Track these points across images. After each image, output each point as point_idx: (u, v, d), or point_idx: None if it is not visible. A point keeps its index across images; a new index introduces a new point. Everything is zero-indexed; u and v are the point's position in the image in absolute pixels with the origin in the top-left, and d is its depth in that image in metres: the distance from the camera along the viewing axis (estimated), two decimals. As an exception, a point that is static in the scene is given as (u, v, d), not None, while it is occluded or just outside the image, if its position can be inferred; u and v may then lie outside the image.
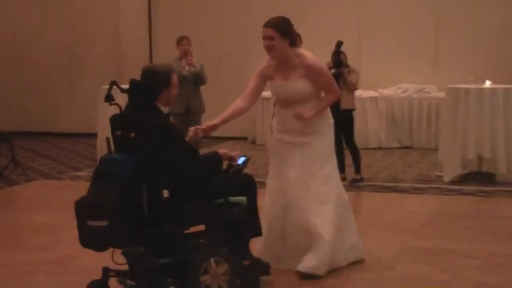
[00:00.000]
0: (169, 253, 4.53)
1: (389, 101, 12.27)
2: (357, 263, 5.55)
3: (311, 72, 5.28)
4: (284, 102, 5.38)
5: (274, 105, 5.59)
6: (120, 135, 4.58)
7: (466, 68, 11.39)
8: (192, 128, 4.97)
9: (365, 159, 10.79)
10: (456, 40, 12.27)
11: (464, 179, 9.01)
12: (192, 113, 8.97)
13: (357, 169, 9.00)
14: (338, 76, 8.67)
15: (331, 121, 5.49)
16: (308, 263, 5.21)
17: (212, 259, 4.58)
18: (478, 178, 9.10)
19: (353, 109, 9.01)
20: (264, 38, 5.23)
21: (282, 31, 5.21)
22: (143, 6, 13.93)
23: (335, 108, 8.75)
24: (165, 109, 4.69)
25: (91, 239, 4.48)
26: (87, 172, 10.09)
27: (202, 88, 9.18)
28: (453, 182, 8.81)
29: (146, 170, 4.40)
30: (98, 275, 5.35)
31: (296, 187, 5.28)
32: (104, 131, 10.12)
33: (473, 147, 8.81)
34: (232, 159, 4.89)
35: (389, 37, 12.58)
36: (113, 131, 4.65)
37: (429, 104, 12.04)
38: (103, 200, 4.35)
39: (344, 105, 8.71)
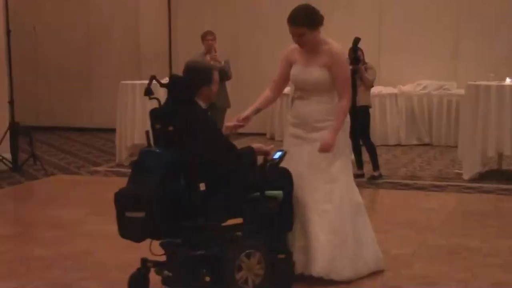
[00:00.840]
0: (205, 245, 4.61)
1: (409, 98, 12.20)
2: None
3: (334, 61, 5.10)
4: (301, 93, 5.24)
5: (292, 100, 5.52)
6: (159, 128, 4.68)
7: (486, 65, 11.29)
8: (230, 124, 5.02)
9: (384, 156, 10.75)
10: (477, 36, 12.16)
11: (484, 176, 8.93)
12: (216, 109, 8.95)
13: (375, 166, 8.95)
14: (355, 73, 8.64)
15: (347, 119, 5.27)
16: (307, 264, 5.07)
17: (248, 252, 4.63)
18: (498, 175, 9.02)
19: (369, 106, 8.97)
20: (293, 34, 5.11)
21: (310, 24, 5.07)
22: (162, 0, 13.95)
23: (352, 105, 8.71)
24: (204, 105, 4.75)
25: (129, 230, 4.57)
26: (105, 167, 10.12)
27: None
28: (472, 180, 8.74)
29: (183, 163, 4.49)
30: (113, 270, 5.38)
31: (301, 184, 5.09)
32: (123, 126, 10.15)
33: (493, 144, 8.73)
34: (267, 153, 4.90)
35: (409, 34, 12.50)
36: (152, 124, 4.75)
37: (449, 101, 11.96)
38: (141, 192, 4.44)
39: (360, 102, 8.68)
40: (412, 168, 9.81)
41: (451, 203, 7.76)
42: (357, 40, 8.58)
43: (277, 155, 4.90)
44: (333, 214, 5.07)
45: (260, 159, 4.91)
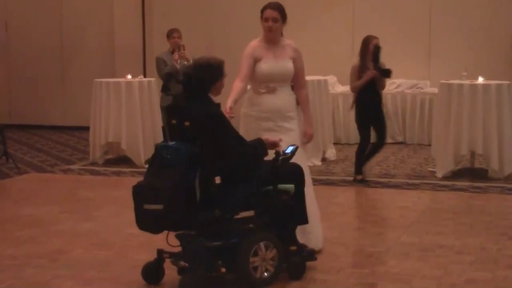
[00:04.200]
0: (220, 236, 4.79)
1: (383, 97, 12.22)
2: (349, 259, 5.56)
3: (297, 55, 5.73)
4: (271, 86, 5.60)
5: (257, 95, 5.64)
6: (175, 124, 4.85)
7: (459, 64, 11.39)
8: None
9: (358, 154, 10.80)
10: (450, 35, 12.27)
11: (457, 175, 9.01)
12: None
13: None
14: (376, 80, 8.59)
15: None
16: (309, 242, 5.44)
17: (261, 243, 4.82)
18: (471, 174, 9.10)
19: None
20: (267, 19, 5.60)
21: (284, 16, 5.65)
22: (136, -2, 13.91)
23: (378, 103, 8.70)
24: (214, 99, 4.94)
25: (146, 222, 4.70)
26: (79, 166, 10.06)
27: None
28: (445, 178, 8.81)
29: (199, 157, 4.65)
30: (88, 268, 5.35)
31: None
32: (97, 124, 10.09)
33: (466, 143, 8.81)
34: (275, 144, 5.05)
35: (382, 33, 12.51)
36: (168, 120, 4.93)
37: (422, 99, 12.04)
38: (159, 185, 4.59)
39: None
40: (385, 166, 9.87)
41: (425, 201, 7.82)
42: (378, 50, 8.52)
43: (289, 149, 5.06)
44: (313, 194, 5.68)
45: (270, 153, 5.04)
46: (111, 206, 7.54)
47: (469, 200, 7.82)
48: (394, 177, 9.03)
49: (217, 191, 4.74)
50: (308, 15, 12.27)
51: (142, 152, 9.88)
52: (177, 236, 4.88)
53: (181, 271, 4.92)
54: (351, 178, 8.81)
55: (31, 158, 10.75)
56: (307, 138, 5.80)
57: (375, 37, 8.69)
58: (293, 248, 5.11)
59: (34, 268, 5.41)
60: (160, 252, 4.99)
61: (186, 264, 4.83)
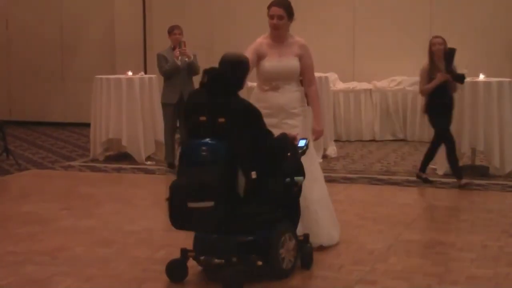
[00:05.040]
0: (253, 231, 4.82)
1: (383, 94, 12.25)
2: (350, 256, 5.58)
3: (304, 52, 5.68)
4: (275, 84, 5.62)
5: (261, 92, 5.67)
6: (204, 121, 4.74)
7: (460, 61, 11.36)
8: None
9: (359, 151, 10.82)
10: (450, 32, 12.18)
11: (458, 172, 9.00)
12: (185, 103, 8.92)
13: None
14: (448, 83, 8.21)
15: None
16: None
17: (288, 234, 4.95)
18: (472, 171, 9.08)
19: None
20: (273, 16, 5.58)
21: (290, 12, 5.61)
22: (137, -5, 13.90)
23: (450, 107, 8.26)
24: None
25: (190, 220, 4.66)
26: (80, 162, 10.05)
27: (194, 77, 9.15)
28: (446, 175, 8.79)
29: (237, 153, 4.65)
30: (89, 265, 5.34)
31: None
32: (97, 120, 10.08)
33: (467, 140, 8.79)
34: (294, 139, 5.13)
35: (383, 30, 12.55)
36: (192, 116, 4.83)
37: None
38: (209, 182, 4.54)
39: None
40: (386, 163, 9.86)
41: (426, 198, 7.81)
42: (452, 52, 8.08)
43: (302, 142, 5.16)
44: (322, 190, 5.77)
45: None
46: (111, 203, 7.53)
47: (470, 197, 7.81)
48: (395, 174, 9.02)
49: (254, 186, 4.72)
50: (309, 12, 12.24)
51: (143, 149, 9.88)
52: (197, 234, 4.88)
53: (210, 267, 4.92)
54: (352, 176, 8.81)
55: (31, 155, 10.75)
56: (315, 134, 5.79)
57: (436, 37, 8.40)
58: (301, 237, 5.21)
59: (34, 265, 5.40)
60: (184, 251, 4.95)
61: (222, 261, 4.77)
